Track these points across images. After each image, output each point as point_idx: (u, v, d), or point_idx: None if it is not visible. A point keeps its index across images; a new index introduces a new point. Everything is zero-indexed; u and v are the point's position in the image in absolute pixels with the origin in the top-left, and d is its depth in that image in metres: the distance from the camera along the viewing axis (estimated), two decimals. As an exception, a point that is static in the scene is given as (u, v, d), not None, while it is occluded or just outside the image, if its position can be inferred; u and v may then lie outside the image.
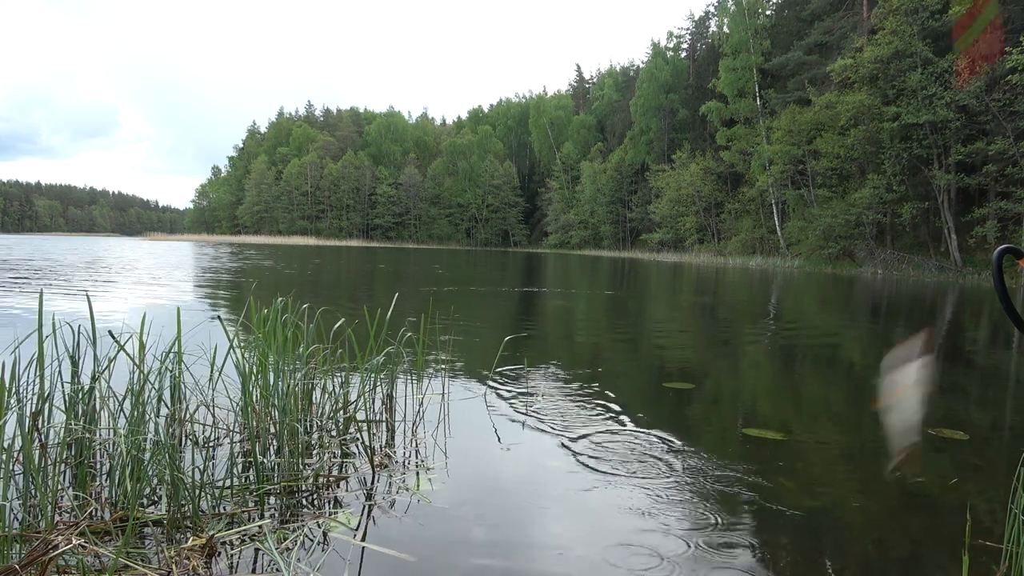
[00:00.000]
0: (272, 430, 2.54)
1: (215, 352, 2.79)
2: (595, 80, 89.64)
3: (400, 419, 3.15)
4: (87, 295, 2.62)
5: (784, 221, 40.10)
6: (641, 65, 68.70)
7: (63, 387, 2.25)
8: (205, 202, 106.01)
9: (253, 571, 1.72)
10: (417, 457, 2.70)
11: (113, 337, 2.37)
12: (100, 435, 2.34)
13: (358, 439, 2.81)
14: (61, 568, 1.60)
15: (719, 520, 2.20)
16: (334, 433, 2.86)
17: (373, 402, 3.10)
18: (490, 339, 5.97)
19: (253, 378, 2.59)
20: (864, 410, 4.01)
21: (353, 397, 3.06)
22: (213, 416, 2.78)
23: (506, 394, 3.83)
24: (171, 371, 2.49)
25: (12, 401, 2.04)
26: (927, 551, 2.07)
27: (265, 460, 2.34)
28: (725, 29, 47.84)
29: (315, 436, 2.78)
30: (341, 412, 2.92)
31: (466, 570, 1.81)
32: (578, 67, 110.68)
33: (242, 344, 2.77)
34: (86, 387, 2.26)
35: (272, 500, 2.18)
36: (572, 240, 70.15)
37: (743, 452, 2.94)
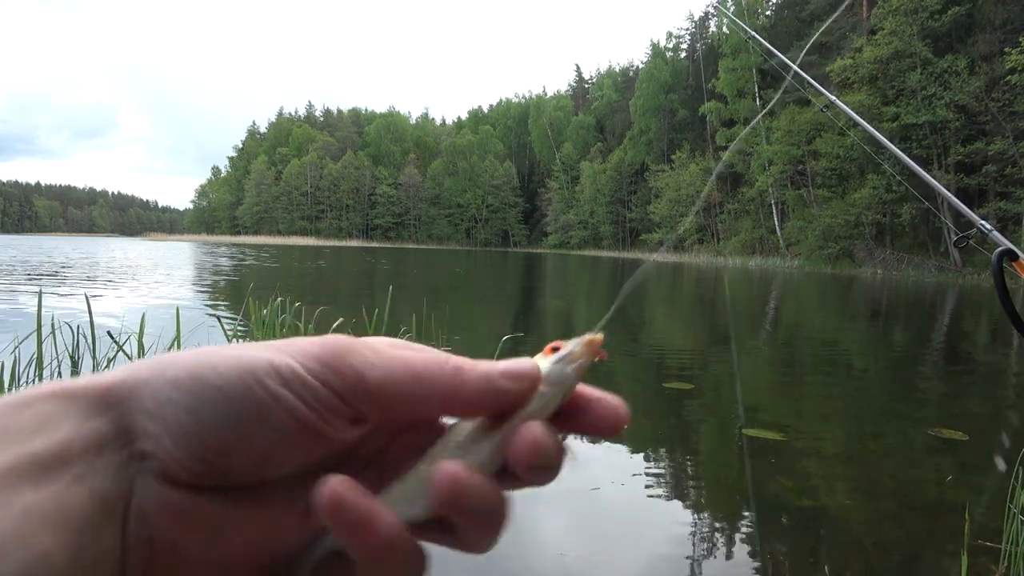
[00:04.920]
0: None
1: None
2: (594, 80, 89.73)
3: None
4: (86, 295, 2.62)
5: (784, 221, 40.13)
6: (641, 65, 68.81)
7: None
8: (205, 202, 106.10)
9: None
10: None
11: (112, 337, 2.37)
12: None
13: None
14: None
15: (719, 520, 2.20)
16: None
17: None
18: (489, 338, 5.97)
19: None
20: (863, 411, 4.01)
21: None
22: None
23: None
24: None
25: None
26: (927, 551, 2.07)
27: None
28: (724, 30, 47.92)
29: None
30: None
31: (465, 570, 1.81)
32: (577, 67, 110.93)
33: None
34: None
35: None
36: (572, 240, 70.19)
37: (743, 452, 2.94)
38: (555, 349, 0.28)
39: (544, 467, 0.25)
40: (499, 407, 0.26)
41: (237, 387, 0.23)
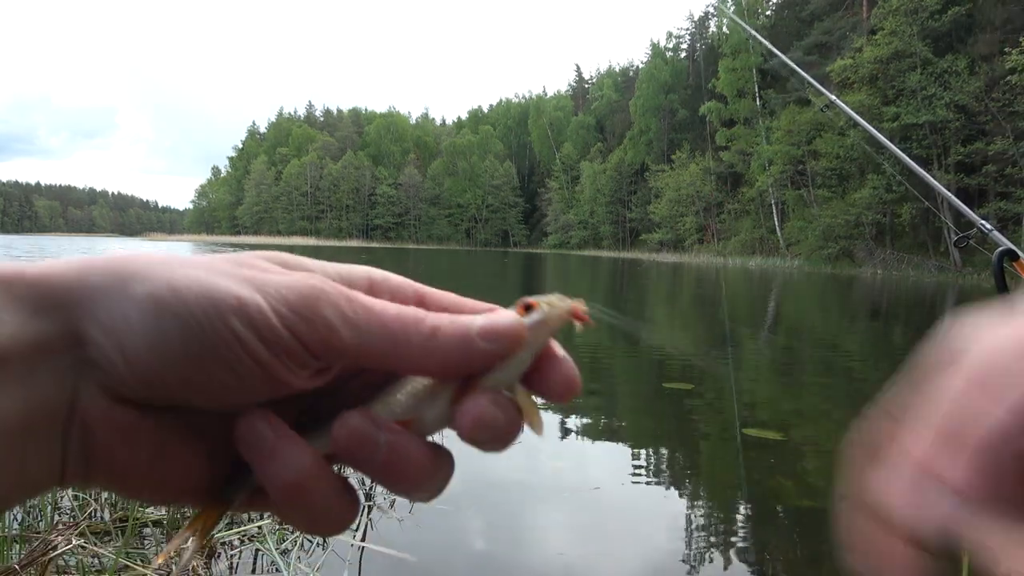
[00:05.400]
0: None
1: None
2: (594, 80, 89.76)
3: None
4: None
5: (784, 221, 40.17)
6: (640, 66, 68.86)
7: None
8: (205, 202, 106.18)
9: (253, 571, 1.72)
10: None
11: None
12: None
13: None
14: (61, 568, 1.60)
15: (719, 520, 2.20)
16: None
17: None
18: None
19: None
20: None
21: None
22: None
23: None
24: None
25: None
26: (927, 551, 2.06)
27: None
28: (724, 30, 47.96)
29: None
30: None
31: (465, 569, 1.81)
32: (577, 67, 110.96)
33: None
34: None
35: (272, 500, 2.17)
36: (572, 240, 70.21)
37: (743, 452, 2.94)
38: (527, 307, 0.25)
39: (488, 440, 0.24)
40: (474, 368, 0.24)
41: (199, 319, 0.21)
